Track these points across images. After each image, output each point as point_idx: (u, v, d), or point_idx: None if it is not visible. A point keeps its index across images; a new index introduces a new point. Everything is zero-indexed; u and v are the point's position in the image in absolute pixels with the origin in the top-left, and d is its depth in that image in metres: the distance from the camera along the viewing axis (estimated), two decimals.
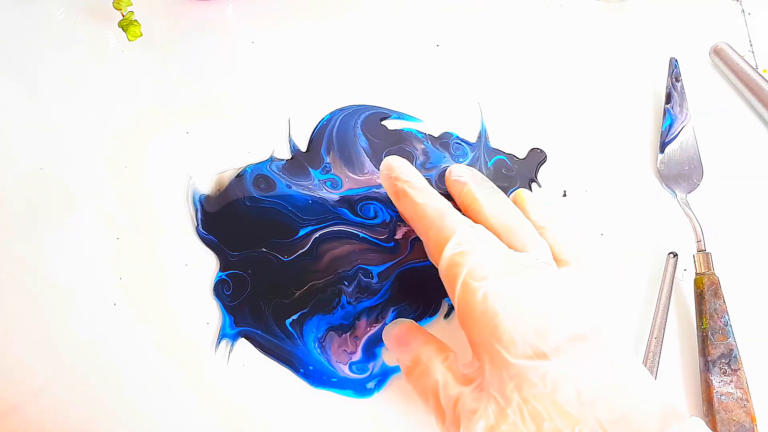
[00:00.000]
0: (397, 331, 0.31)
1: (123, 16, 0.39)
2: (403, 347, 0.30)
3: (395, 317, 0.35)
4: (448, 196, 0.33)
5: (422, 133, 0.41)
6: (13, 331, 0.35)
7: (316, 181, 0.39)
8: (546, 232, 0.32)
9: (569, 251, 0.31)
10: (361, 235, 0.37)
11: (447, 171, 0.34)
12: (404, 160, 0.33)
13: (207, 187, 0.39)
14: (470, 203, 0.32)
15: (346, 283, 0.36)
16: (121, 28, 0.39)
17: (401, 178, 0.32)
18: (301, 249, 0.37)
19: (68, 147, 0.40)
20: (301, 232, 0.37)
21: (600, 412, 0.24)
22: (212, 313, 0.35)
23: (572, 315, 0.27)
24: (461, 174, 0.33)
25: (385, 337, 0.32)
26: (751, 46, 0.46)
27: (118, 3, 0.38)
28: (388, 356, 0.34)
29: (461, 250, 0.28)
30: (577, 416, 0.24)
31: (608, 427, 0.24)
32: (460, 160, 0.40)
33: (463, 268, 0.27)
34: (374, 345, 0.35)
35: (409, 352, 0.29)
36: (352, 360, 0.34)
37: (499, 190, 0.33)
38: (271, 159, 0.40)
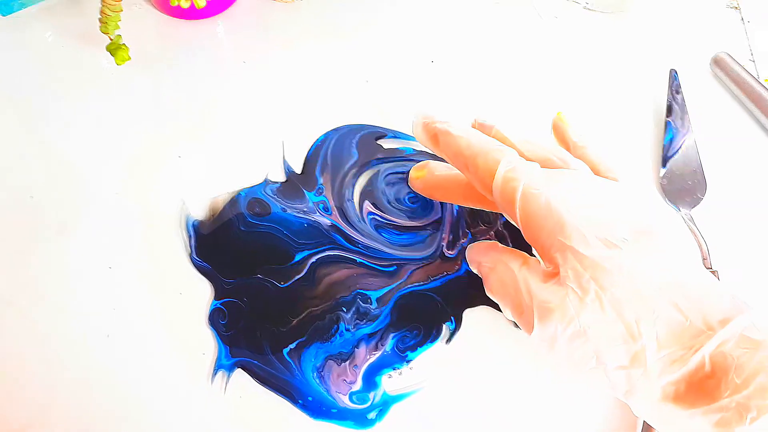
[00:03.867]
0: (476, 248, 0.32)
1: (111, 39, 0.38)
2: (484, 255, 0.31)
3: (395, 343, 0.35)
4: None
5: (418, 151, 0.40)
6: (6, 362, 0.34)
7: (310, 204, 0.38)
8: (586, 152, 0.32)
9: (613, 168, 0.31)
10: (358, 260, 0.36)
11: (472, 121, 0.34)
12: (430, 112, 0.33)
13: (200, 213, 0.38)
14: (502, 142, 0.32)
15: (344, 310, 0.35)
16: (108, 52, 0.38)
17: (438, 120, 0.32)
18: (298, 274, 0.36)
19: (58, 174, 0.39)
20: (298, 257, 0.36)
21: (676, 296, 0.25)
22: (208, 343, 0.34)
23: (634, 213, 0.27)
24: (486, 118, 0.33)
25: (468, 256, 0.33)
26: (752, 55, 0.45)
27: (105, 27, 0.37)
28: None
29: (513, 166, 0.28)
30: (655, 301, 0.25)
31: (685, 310, 0.24)
32: None
33: (519, 182, 0.28)
34: (374, 373, 0.34)
35: (487, 263, 0.31)
36: (352, 390, 0.33)
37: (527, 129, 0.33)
38: (266, 182, 0.39)
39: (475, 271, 0.33)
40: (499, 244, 0.32)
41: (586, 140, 0.33)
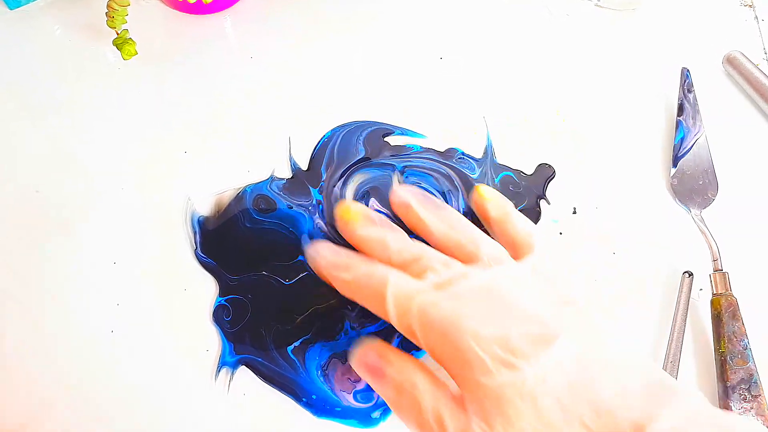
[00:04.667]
0: (365, 360, 0.29)
1: (117, 34, 0.38)
2: (380, 378, 0.28)
3: (400, 343, 0.34)
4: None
5: (425, 148, 0.40)
6: (10, 356, 0.34)
7: (314, 201, 0.38)
8: (505, 227, 0.31)
9: (525, 238, 0.31)
10: None
11: (390, 193, 0.33)
12: (318, 244, 0.31)
13: (206, 209, 0.38)
14: (416, 224, 0.31)
15: (350, 308, 0.35)
16: (115, 47, 0.38)
17: (321, 265, 0.30)
18: (303, 272, 0.36)
19: (64, 168, 0.39)
20: (302, 256, 0.36)
21: (585, 412, 0.24)
22: (212, 340, 0.34)
23: (532, 314, 0.26)
24: (402, 196, 0.32)
25: (356, 366, 0.29)
26: (766, 53, 0.44)
27: (112, 21, 0.37)
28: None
29: (401, 296, 0.27)
30: (562, 424, 0.24)
31: (594, 427, 0.23)
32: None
33: (412, 311, 0.26)
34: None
35: (388, 382, 0.28)
36: (357, 388, 0.33)
37: (445, 204, 0.33)
38: (272, 178, 0.39)
39: (364, 377, 0.29)
40: (391, 350, 0.29)
41: (504, 213, 0.32)
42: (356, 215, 0.31)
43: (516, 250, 0.30)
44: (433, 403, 0.26)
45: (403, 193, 0.32)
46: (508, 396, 0.24)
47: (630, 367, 0.25)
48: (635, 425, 0.23)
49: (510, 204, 0.33)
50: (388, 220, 0.32)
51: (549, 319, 0.26)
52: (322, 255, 0.30)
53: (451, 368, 0.26)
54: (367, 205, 0.38)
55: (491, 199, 0.33)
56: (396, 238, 0.30)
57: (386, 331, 0.34)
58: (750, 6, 0.46)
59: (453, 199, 0.38)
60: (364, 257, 0.30)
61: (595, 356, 0.25)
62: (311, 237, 0.36)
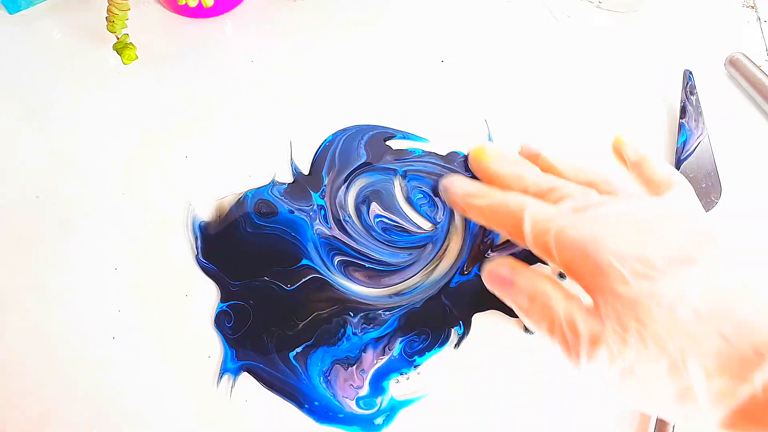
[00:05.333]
0: (497, 272, 0.30)
1: (118, 38, 0.38)
2: (510, 287, 0.29)
3: (403, 348, 0.34)
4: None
5: (428, 152, 0.40)
6: (12, 363, 0.34)
7: (315, 206, 0.38)
8: (641, 168, 0.32)
9: (665, 178, 0.30)
10: (367, 265, 0.36)
11: (519, 149, 0.34)
12: (452, 176, 0.33)
13: (207, 214, 0.37)
14: (548, 170, 0.32)
15: (352, 314, 0.35)
16: (116, 51, 0.38)
17: (457, 194, 0.32)
18: (305, 277, 0.36)
19: (64, 174, 0.39)
20: (305, 260, 0.36)
21: (721, 324, 0.24)
22: (213, 346, 0.34)
23: (671, 239, 0.27)
24: (533, 147, 0.33)
25: (487, 279, 0.30)
26: None
27: (113, 26, 0.37)
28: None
29: (540, 219, 0.28)
30: (698, 331, 0.24)
31: (731, 338, 0.24)
32: None
33: (550, 232, 0.27)
34: (382, 378, 0.33)
35: (520, 291, 0.29)
36: (359, 395, 0.33)
37: (573, 152, 0.33)
38: (273, 183, 0.39)
39: (497, 292, 0.30)
40: (520, 264, 0.30)
41: (641, 156, 0.32)
42: (490, 153, 0.32)
43: (655, 189, 0.30)
44: (565, 309, 0.27)
45: (533, 144, 0.33)
46: (645, 303, 0.25)
47: (764, 292, 0.26)
48: None
49: (647, 150, 0.33)
50: (524, 159, 0.32)
51: (687, 245, 0.26)
52: (457, 185, 0.32)
53: (588, 282, 0.27)
54: (368, 211, 0.38)
55: (628, 143, 0.33)
56: (532, 171, 0.31)
57: (390, 335, 0.34)
58: (752, 7, 0.46)
59: None
60: (501, 189, 0.31)
61: (734, 282, 0.26)
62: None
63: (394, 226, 0.37)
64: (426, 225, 0.37)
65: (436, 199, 0.38)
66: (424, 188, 0.38)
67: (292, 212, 0.37)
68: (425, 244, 0.37)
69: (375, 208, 0.38)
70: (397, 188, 0.38)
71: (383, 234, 0.37)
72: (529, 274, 0.29)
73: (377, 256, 0.36)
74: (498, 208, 0.29)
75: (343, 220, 0.37)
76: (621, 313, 0.25)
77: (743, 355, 0.23)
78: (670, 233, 0.27)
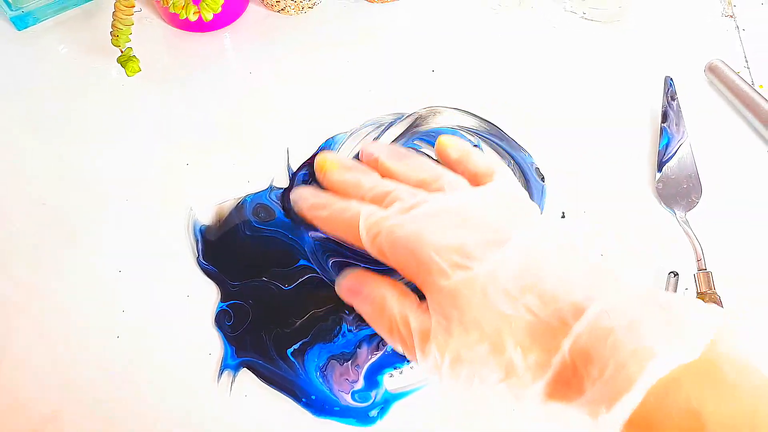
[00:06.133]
0: (346, 282, 0.32)
1: (122, 52, 0.40)
2: (357, 297, 0.31)
3: None
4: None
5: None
6: (20, 363, 0.35)
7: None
8: (466, 165, 0.33)
9: (486, 168, 0.33)
10: (361, 265, 0.37)
11: (359, 153, 0.36)
12: (298, 189, 0.34)
13: (207, 218, 0.39)
14: (384, 172, 0.34)
15: (347, 312, 0.36)
16: (120, 64, 0.40)
17: (303, 207, 0.33)
18: (301, 277, 0.37)
19: (70, 181, 0.40)
20: (302, 261, 0.38)
21: (530, 300, 0.26)
22: (214, 344, 0.35)
23: (486, 224, 0.28)
24: (371, 152, 0.35)
25: (339, 292, 0.32)
26: (747, 62, 0.46)
27: (117, 40, 0.39)
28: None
29: (371, 223, 0.29)
30: (509, 311, 0.26)
31: (539, 312, 0.25)
32: None
33: (381, 233, 0.29)
34: (376, 372, 0.35)
35: (364, 299, 0.31)
36: (354, 388, 0.34)
37: (411, 153, 0.36)
38: (271, 188, 0.40)
39: (349, 303, 0.32)
40: (366, 274, 0.32)
41: (463, 152, 0.34)
42: (332, 163, 0.34)
43: (478, 181, 0.32)
44: (399, 309, 0.29)
45: (372, 148, 0.35)
46: (462, 292, 0.26)
47: (573, 257, 0.28)
48: (576, 307, 0.25)
49: (469, 145, 0.35)
50: (363, 166, 0.34)
51: (501, 225, 0.28)
52: (303, 197, 0.33)
53: (416, 278, 0.28)
54: None
55: (451, 144, 0.35)
56: (368, 178, 0.33)
57: None
58: (731, 16, 0.48)
59: None
60: (341, 197, 0.32)
61: (541, 253, 0.27)
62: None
63: None
64: None
65: None
66: None
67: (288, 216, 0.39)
68: None
69: None
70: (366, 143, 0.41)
71: None
72: (373, 282, 0.31)
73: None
74: (338, 217, 0.31)
75: None
76: (443, 305, 0.27)
77: (551, 326, 0.25)
78: (486, 218, 0.29)
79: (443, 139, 0.35)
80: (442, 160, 0.35)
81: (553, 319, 0.25)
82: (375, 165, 0.34)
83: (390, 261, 0.29)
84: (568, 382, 0.25)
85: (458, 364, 0.26)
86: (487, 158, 0.34)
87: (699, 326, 0.23)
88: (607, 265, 0.27)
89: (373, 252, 0.30)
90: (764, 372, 0.23)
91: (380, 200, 0.31)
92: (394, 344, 0.29)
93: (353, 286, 0.31)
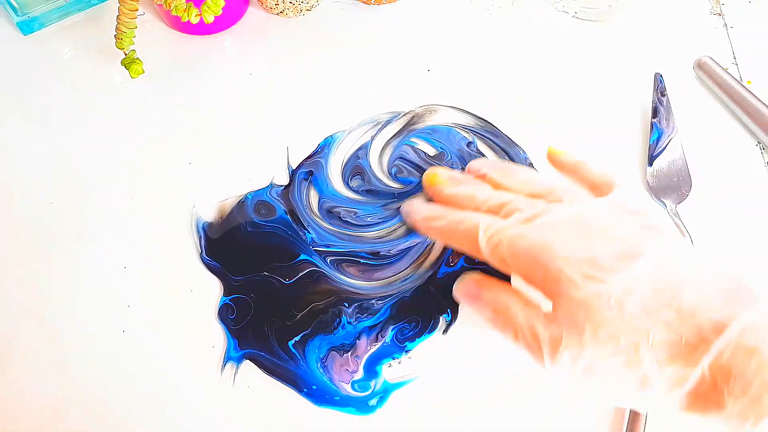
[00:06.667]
0: (465, 288, 0.32)
1: (125, 54, 0.41)
2: (477, 301, 0.31)
3: (395, 335, 0.36)
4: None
5: (418, 150, 0.42)
6: (29, 357, 0.36)
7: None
8: (582, 174, 0.34)
9: (604, 178, 0.32)
10: (361, 261, 0.38)
11: (467, 169, 0.36)
12: (411, 202, 0.35)
13: (210, 215, 0.40)
14: (497, 187, 0.34)
15: (346, 304, 0.37)
16: (124, 66, 0.41)
17: (417, 219, 0.34)
18: (302, 271, 0.38)
19: (76, 180, 0.41)
20: (302, 255, 0.39)
21: (668, 315, 0.26)
22: (217, 337, 0.37)
23: (616, 236, 0.28)
24: (478, 167, 0.35)
25: (457, 295, 0.33)
26: (735, 58, 0.47)
27: (121, 43, 0.40)
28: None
29: (492, 232, 0.30)
30: (647, 325, 0.26)
31: (678, 327, 0.25)
32: None
33: (503, 243, 0.29)
34: (375, 363, 0.36)
35: (485, 304, 0.31)
36: (354, 378, 0.35)
37: (518, 167, 0.36)
38: (271, 185, 0.41)
39: (467, 306, 0.33)
40: (485, 278, 0.32)
41: (578, 162, 0.34)
42: (443, 178, 0.34)
43: (598, 191, 0.32)
44: (525, 318, 0.29)
45: (479, 163, 0.35)
46: (596, 305, 0.26)
47: (711, 274, 0.27)
48: (716, 325, 0.25)
49: (581, 156, 0.35)
50: (474, 178, 0.34)
51: (632, 240, 0.28)
52: (416, 210, 0.34)
53: (543, 287, 0.28)
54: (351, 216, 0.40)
55: (563, 152, 0.35)
56: (482, 191, 0.33)
57: (382, 324, 0.37)
58: (719, 14, 0.49)
59: None
60: (456, 208, 0.33)
61: (676, 268, 0.27)
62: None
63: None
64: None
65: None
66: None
67: (287, 213, 0.40)
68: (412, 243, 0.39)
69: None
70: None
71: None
72: (494, 287, 0.31)
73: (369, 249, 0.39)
74: (455, 228, 0.31)
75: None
76: (575, 316, 0.27)
77: (690, 342, 0.25)
78: (615, 231, 0.28)
79: (554, 148, 0.35)
80: (556, 169, 0.35)
81: (691, 336, 0.25)
82: (483, 179, 0.34)
83: (512, 270, 0.29)
84: (706, 397, 0.25)
85: (590, 374, 0.27)
86: (603, 168, 0.33)
87: None
88: (747, 283, 0.27)
89: (493, 262, 0.30)
90: None
91: (497, 211, 0.31)
92: (520, 349, 0.29)
93: (472, 291, 0.32)
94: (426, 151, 0.42)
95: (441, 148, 0.43)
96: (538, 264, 0.28)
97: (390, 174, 0.42)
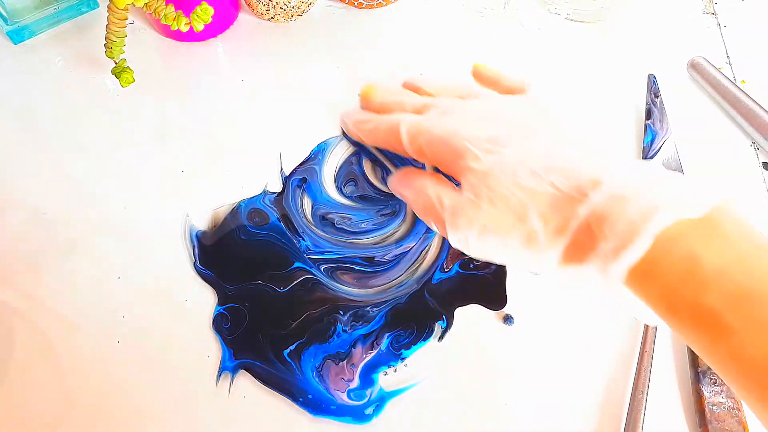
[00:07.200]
0: (397, 174, 0.36)
1: (116, 63, 0.41)
2: (404, 187, 0.35)
3: (390, 342, 0.36)
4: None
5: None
6: (23, 368, 0.36)
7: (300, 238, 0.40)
8: (500, 84, 0.37)
9: (519, 83, 0.36)
10: (356, 268, 0.38)
11: (402, 84, 0.39)
12: (347, 111, 0.38)
13: (203, 224, 0.40)
14: (425, 95, 0.37)
15: (341, 312, 0.37)
16: (114, 75, 0.41)
17: (349, 123, 0.37)
18: (296, 279, 0.38)
19: (68, 190, 0.41)
20: (296, 263, 0.38)
21: (553, 176, 0.29)
22: (212, 347, 0.36)
23: (517, 118, 0.32)
24: (412, 82, 0.38)
25: (390, 184, 0.36)
26: (728, 58, 0.47)
27: (111, 52, 0.40)
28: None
29: (411, 125, 0.33)
30: (534, 187, 0.29)
31: (561, 185, 0.28)
32: None
33: (421, 134, 0.32)
34: (371, 371, 0.36)
35: (408, 187, 0.34)
36: (350, 387, 0.35)
37: (449, 80, 0.38)
38: (264, 193, 0.41)
39: (399, 196, 0.36)
40: (417, 169, 0.35)
41: (496, 73, 0.38)
42: (374, 88, 0.38)
43: (512, 93, 0.36)
44: (435, 191, 0.32)
45: (412, 79, 0.39)
46: (492, 172, 0.30)
47: (592, 145, 0.31)
48: (594, 181, 0.28)
49: (502, 70, 0.38)
50: (405, 90, 0.38)
51: (531, 122, 0.32)
52: (350, 116, 0.37)
53: (451, 168, 0.32)
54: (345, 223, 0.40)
55: (485, 65, 0.38)
56: (410, 97, 0.36)
57: (377, 331, 0.36)
58: (712, 14, 0.49)
59: None
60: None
61: (565, 143, 0.31)
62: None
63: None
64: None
65: None
66: None
67: (280, 220, 0.40)
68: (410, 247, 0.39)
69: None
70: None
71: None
72: (417, 174, 0.35)
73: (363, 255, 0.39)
74: (381, 126, 0.35)
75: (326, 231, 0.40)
76: (474, 185, 0.30)
77: (571, 198, 0.28)
78: (516, 116, 0.33)
79: (478, 63, 0.39)
80: (480, 83, 0.38)
81: (573, 192, 0.28)
82: (417, 92, 0.37)
83: (428, 158, 0.33)
84: (582, 244, 0.27)
85: (485, 234, 0.30)
86: (518, 77, 0.37)
87: (706, 191, 0.26)
88: (622, 150, 0.32)
89: (412, 152, 0.33)
90: (764, 234, 0.26)
91: (419, 111, 0.35)
92: (429, 223, 0.33)
93: (402, 178, 0.35)
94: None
95: None
96: (448, 146, 0.31)
97: (383, 180, 0.41)
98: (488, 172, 0.30)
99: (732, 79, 0.45)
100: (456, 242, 0.31)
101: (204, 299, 0.38)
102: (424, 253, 0.39)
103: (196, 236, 0.39)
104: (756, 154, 0.43)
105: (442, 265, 0.39)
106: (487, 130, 0.31)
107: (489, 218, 0.30)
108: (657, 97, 0.44)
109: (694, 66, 0.46)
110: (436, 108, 0.34)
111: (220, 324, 0.37)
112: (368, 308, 0.37)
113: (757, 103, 0.43)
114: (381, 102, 0.37)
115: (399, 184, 0.36)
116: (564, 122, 0.32)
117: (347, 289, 0.38)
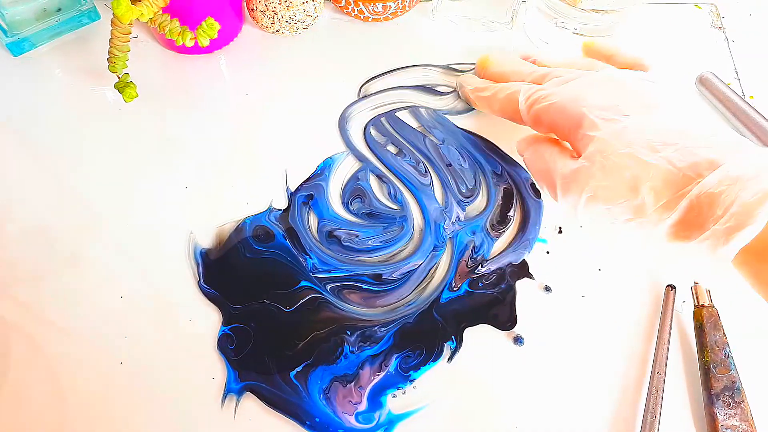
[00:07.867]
0: (522, 140, 0.38)
1: (119, 78, 0.40)
2: (526, 147, 0.37)
3: (399, 364, 0.36)
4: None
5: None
6: (23, 388, 0.35)
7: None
8: (617, 58, 0.38)
9: (636, 59, 0.37)
10: (364, 287, 0.38)
11: (520, 56, 0.42)
12: (464, 75, 0.42)
13: (207, 241, 0.39)
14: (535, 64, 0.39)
15: (349, 332, 0.36)
16: (117, 90, 0.40)
17: (467, 89, 0.40)
18: (303, 298, 0.37)
19: (70, 206, 0.40)
20: (303, 282, 0.38)
21: (670, 153, 0.29)
22: (217, 368, 0.36)
23: (641, 93, 0.32)
24: (529, 54, 0.41)
25: (517, 145, 0.38)
26: (737, 73, 0.46)
27: (114, 66, 0.39)
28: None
29: (530, 94, 0.35)
30: (650, 160, 0.29)
31: (677, 163, 0.29)
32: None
33: (539, 101, 0.34)
34: (379, 393, 0.35)
35: (527, 148, 0.37)
36: (358, 410, 0.34)
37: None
38: (270, 209, 0.40)
39: (520, 156, 0.38)
40: (541, 135, 0.36)
41: (612, 48, 0.38)
42: (493, 57, 0.40)
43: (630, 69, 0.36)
44: (550, 157, 0.34)
45: (529, 51, 0.41)
46: (609, 141, 0.30)
47: (712, 126, 0.31)
48: (711, 162, 0.28)
49: (616, 44, 0.39)
50: (522, 60, 0.40)
51: (653, 96, 0.32)
52: (468, 82, 0.40)
53: (569, 135, 0.33)
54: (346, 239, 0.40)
55: (597, 42, 0.40)
56: (528, 66, 0.38)
57: (385, 352, 0.36)
58: (720, 28, 0.49)
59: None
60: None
61: (686, 119, 0.31)
62: None
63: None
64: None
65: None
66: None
67: (285, 238, 0.39)
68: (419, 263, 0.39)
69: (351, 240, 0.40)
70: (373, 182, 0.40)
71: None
72: (540, 139, 0.36)
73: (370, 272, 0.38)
74: (498, 95, 0.37)
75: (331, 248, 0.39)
76: (590, 152, 0.31)
77: (686, 176, 0.29)
78: (638, 89, 0.33)
79: (588, 40, 0.40)
80: (591, 57, 0.39)
81: (688, 170, 0.28)
82: (532, 62, 0.39)
83: (545, 126, 0.34)
84: (691, 223, 0.28)
85: (594, 202, 0.31)
86: (635, 52, 0.37)
87: None
88: (738, 136, 0.31)
89: (529, 120, 0.35)
90: None
91: (538, 81, 0.36)
92: (541, 187, 0.36)
93: (526, 139, 0.37)
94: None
95: (449, 162, 0.42)
96: (565, 113, 0.32)
97: (390, 196, 0.41)
98: (605, 140, 0.30)
99: (741, 94, 0.45)
100: (564, 207, 0.33)
101: (208, 319, 0.37)
102: (432, 271, 0.38)
103: (201, 254, 0.39)
104: None
105: (450, 283, 0.38)
106: (607, 98, 0.32)
107: (600, 186, 0.30)
108: None
109: (702, 81, 0.45)
110: (555, 77, 0.35)
111: (224, 345, 0.36)
112: (376, 328, 0.37)
113: (766, 119, 0.43)
114: (500, 71, 0.38)
115: (522, 144, 0.37)
116: (687, 102, 0.32)
117: (354, 308, 0.37)
